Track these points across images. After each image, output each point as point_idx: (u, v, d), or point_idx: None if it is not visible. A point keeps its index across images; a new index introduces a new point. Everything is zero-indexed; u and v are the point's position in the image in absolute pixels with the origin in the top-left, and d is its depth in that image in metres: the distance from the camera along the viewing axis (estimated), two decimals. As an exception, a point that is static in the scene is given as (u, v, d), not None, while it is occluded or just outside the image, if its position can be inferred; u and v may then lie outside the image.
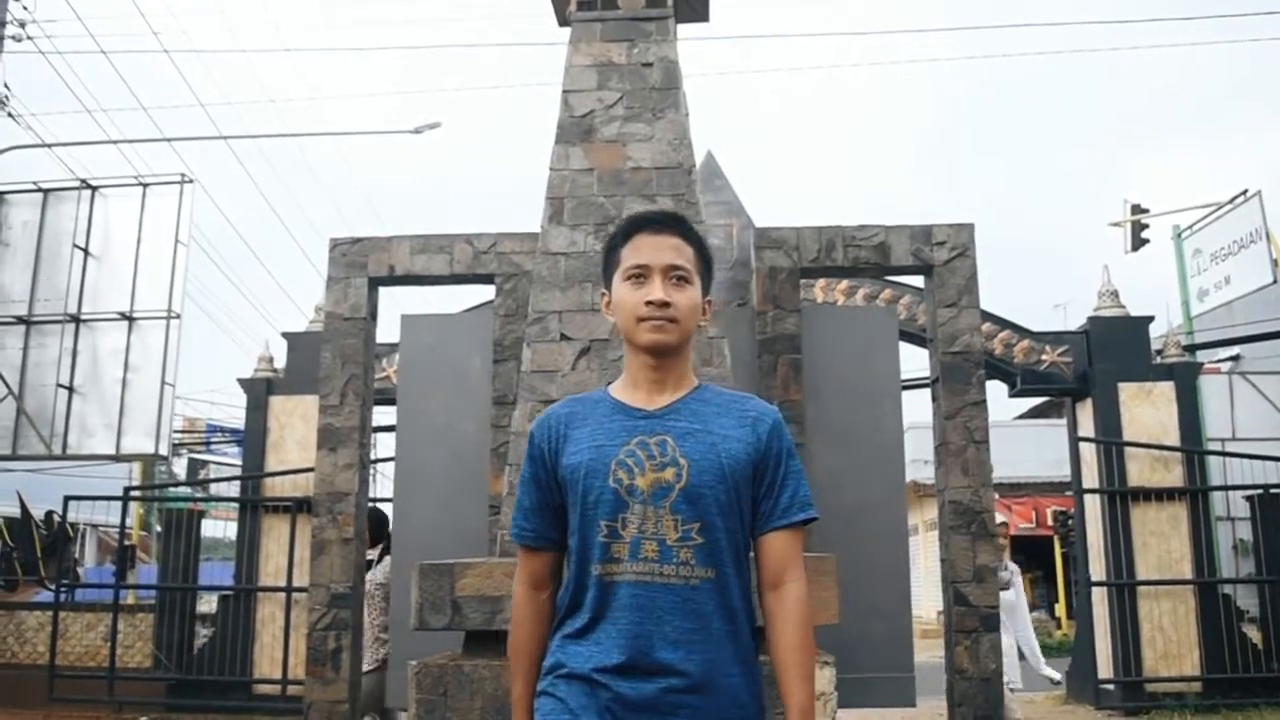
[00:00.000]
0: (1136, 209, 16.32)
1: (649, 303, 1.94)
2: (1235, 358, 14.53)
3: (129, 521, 12.74)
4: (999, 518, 8.16)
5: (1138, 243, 16.34)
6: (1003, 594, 5.96)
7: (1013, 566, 6.09)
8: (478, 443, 6.23)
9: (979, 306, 6.36)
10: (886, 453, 6.25)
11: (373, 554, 6.49)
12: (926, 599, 27.60)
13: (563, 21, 6.20)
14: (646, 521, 1.89)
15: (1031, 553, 22.32)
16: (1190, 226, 13.71)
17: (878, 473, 6.15)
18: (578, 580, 1.96)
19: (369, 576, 6.37)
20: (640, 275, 1.99)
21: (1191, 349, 12.59)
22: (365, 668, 6.34)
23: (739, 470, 1.94)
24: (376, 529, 6.53)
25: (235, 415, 19.06)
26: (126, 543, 13.51)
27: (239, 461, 20.48)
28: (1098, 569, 10.35)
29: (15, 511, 15.46)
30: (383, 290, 6.78)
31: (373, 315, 6.64)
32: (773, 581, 1.96)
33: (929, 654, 20.31)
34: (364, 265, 6.46)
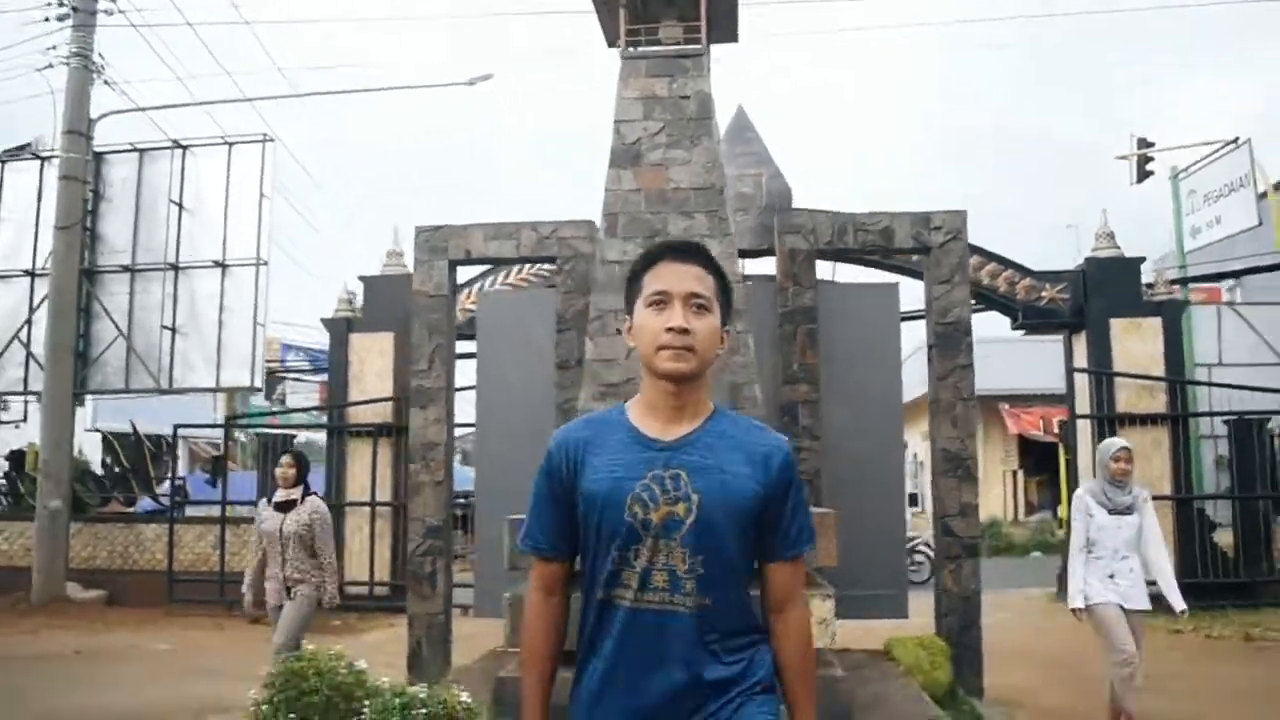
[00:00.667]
0: (1142, 143, 17.07)
1: (669, 329, 1.97)
2: (1234, 285, 15.52)
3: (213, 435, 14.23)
4: (1010, 428, 9.17)
5: (1142, 175, 17.10)
6: (1124, 519, 5.72)
7: (1139, 491, 5.82)
8: (544, 400, 7.52)
9: (969, 283, 7.50)
10: (888, 410, 7.43)
11: (293, 494, 6.47)
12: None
13: (610, 43, 7.32)
14: (658, 554, 1.96)
15: (1040, 456, 23.69)
16: (1186, 168, 14.62)
17: (880, 427, 7.35)
18: (593, 608, 2.04)
19: (292, 517, 6.36)
20: (661, 301, 2.02)
21: (1184, 282, 13.62)
22: (276, 601, 6.37)
23: (748, 506, 2.00)
24: (302, 469, 6.58)
25: (306, 336, 20.59)
26: (216, 455, 15.06)
27: (310, 377, 22.20)
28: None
29: (115, 430, 17.07)
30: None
31: (453, 292, 7.90)
32: (778, 607, 2.08)
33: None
34: (444, 250, 7.67)
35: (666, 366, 1.99)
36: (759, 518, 2.02)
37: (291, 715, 3.58)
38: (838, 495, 6.67)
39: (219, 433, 16.66)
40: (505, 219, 7.81)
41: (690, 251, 2.09)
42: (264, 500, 6.74)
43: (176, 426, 13.31)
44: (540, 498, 2.11)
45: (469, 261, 7.91)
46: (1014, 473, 26.17)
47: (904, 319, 11.22)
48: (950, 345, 7.09)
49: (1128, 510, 5.74)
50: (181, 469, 20.98)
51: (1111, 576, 5.71)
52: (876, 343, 7.47)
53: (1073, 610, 5.79)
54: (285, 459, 6.63)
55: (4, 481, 16.16)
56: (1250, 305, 14.23)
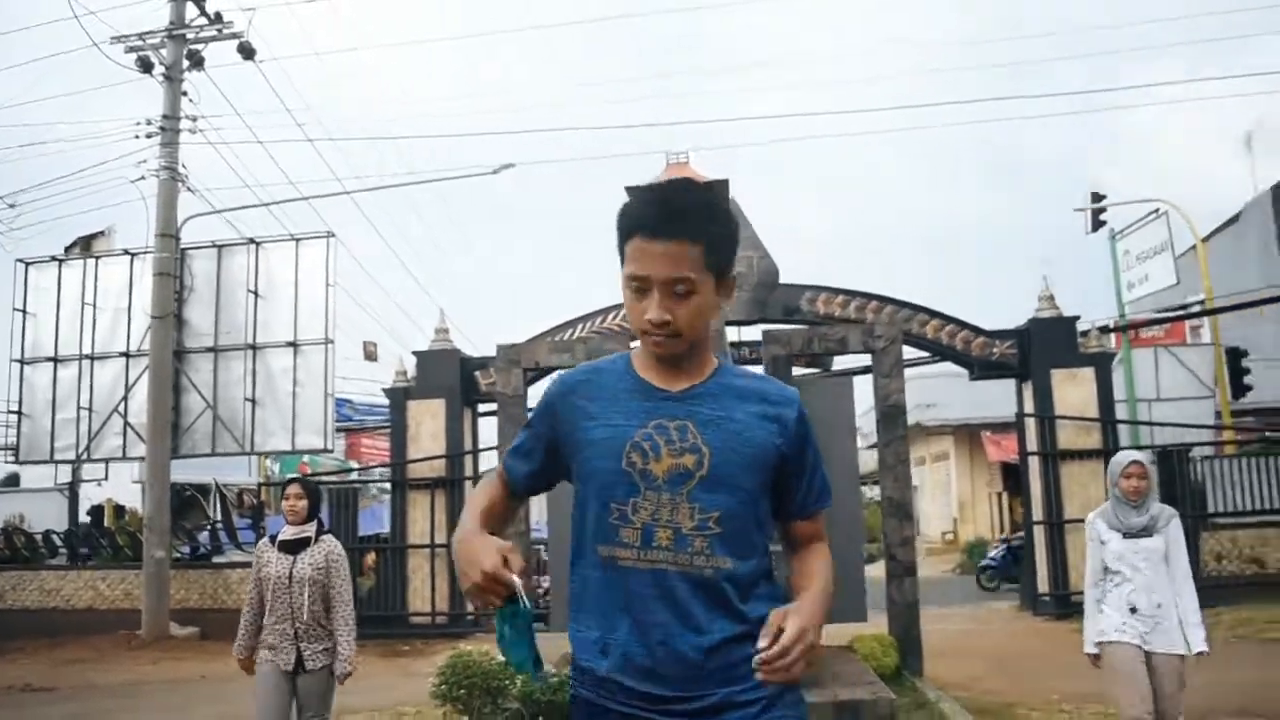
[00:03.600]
0: (1096, 197, 19.24)
1: (649, 320, 1.82)
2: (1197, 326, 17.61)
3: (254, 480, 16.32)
4: (995, 454, 11.18)
5: (1096, 225, 19.28)
6: (1143, 543, 4.96)
7: (1161, 509, 5.03)
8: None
9: (903, 376, 9.48)
10: (847, 473, 9.00)
11: (304, 530, 5.44)
12: (936, 520, 31.16)
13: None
14: (661, 509, 1.82)
15: (1017, 479, 25.83)
16: (1121, 231, 16.79)
17: (842, 485, 9.22)
18: (580, 555, 1.92)
19: (305, 559, 5.34)
20: (640, 289, 1.85)
21: (1123, 329, 15.77)
22: (284, 663, 5.29)
23: (764, 461, 1.88)
24: (314, 502, 5.61)
25: (352, 390, 22.78)
26: (259, 501, 17.12)
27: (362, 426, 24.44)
28: (1037, 511, 13.69)
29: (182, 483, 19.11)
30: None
31: (525, 393, 9.98)
32: (800, 551, 2.03)
33: (936, 570, 23.83)
34: (518, 362, 9.68)
35: (653, 351, 1.89)
36: (776, 475, 1.91)
37: (460, 690, 5.60)
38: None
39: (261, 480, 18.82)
40: (559, 316, 9.90)
41: (665, 225, 1.82)
42: (264, 540, 5.70)
43: (260, 484, 15.41)
44: (528, 431, 2.04)
45: (536, 370, 9.94)
46: (998, 494, 28.16)
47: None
48: (890, 421, 9.11)
49: (1146, 532, 4.97)
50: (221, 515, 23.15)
51: (1134, 610, 4.90)
52: (837, 421, 9.41)
53: (1088, 656, 5.06)
54: (293, 489, 5.56)
55: (90, 534, 18.17)
56: (1181, 347, 16.35)
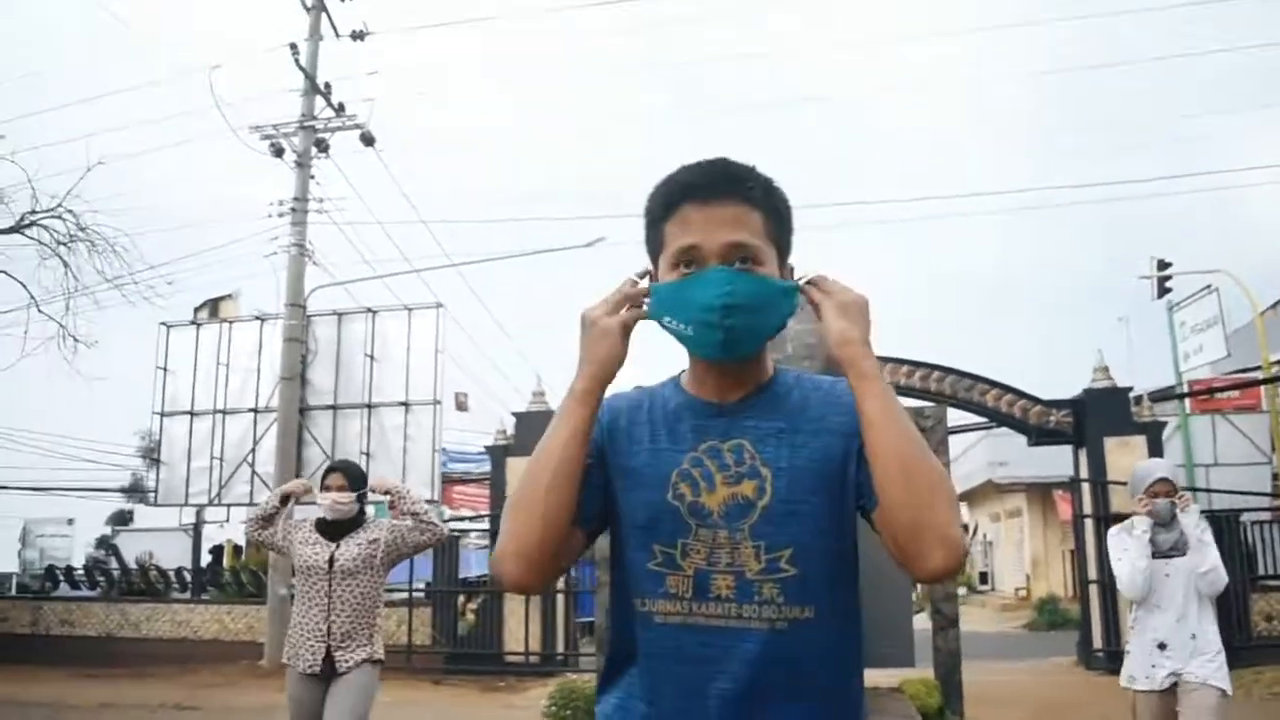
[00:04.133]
0: (1161, 264, 20.10)
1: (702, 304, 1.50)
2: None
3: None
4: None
5: (1162, 291, 20.09)
6: (1175, 564, 4.49)
7: (1193, 521, 4.59)
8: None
9: (949, 451, 10.56)
10: None
11: (345, 509, 4.93)
12: (1009, 576, 31.66)
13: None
14: (718, 550, 1.53)
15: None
16: (1178, 303, 17.64)
17: None
18: (621, 620, 1.64)
19: (347, 548, 4.86)
20: (691, 262, 1.55)
21: (1181, 398, 16.60)
22: (308, 665, 4.87)
23: (838, 469, 1.55)
24: (354, 484, 5.07)
25: (446, 440, 24.56)
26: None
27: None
28: (1092, 570, 14.55)
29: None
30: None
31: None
32: None
33: (1007, 625, 24.46)
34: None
35: (709, 353, 1.57)
36: (855, 470, 1.54)
37: (567, 712, 6.83)
38: (871, 589, 9.84)
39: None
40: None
41: (721, 183, 1.58)
42: (299, 516, 5.22)
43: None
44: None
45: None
46: (1071, 552, 28.63)
47: (954, 432, 14.69)
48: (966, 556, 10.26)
49: (1176, 550, 4.52)
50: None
51: (1162, 646, 4.50)
52: None
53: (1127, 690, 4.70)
54: (334, 478, 4.99)
55: (213, 571, 19.87)
56: (1238, 413, 17.10)
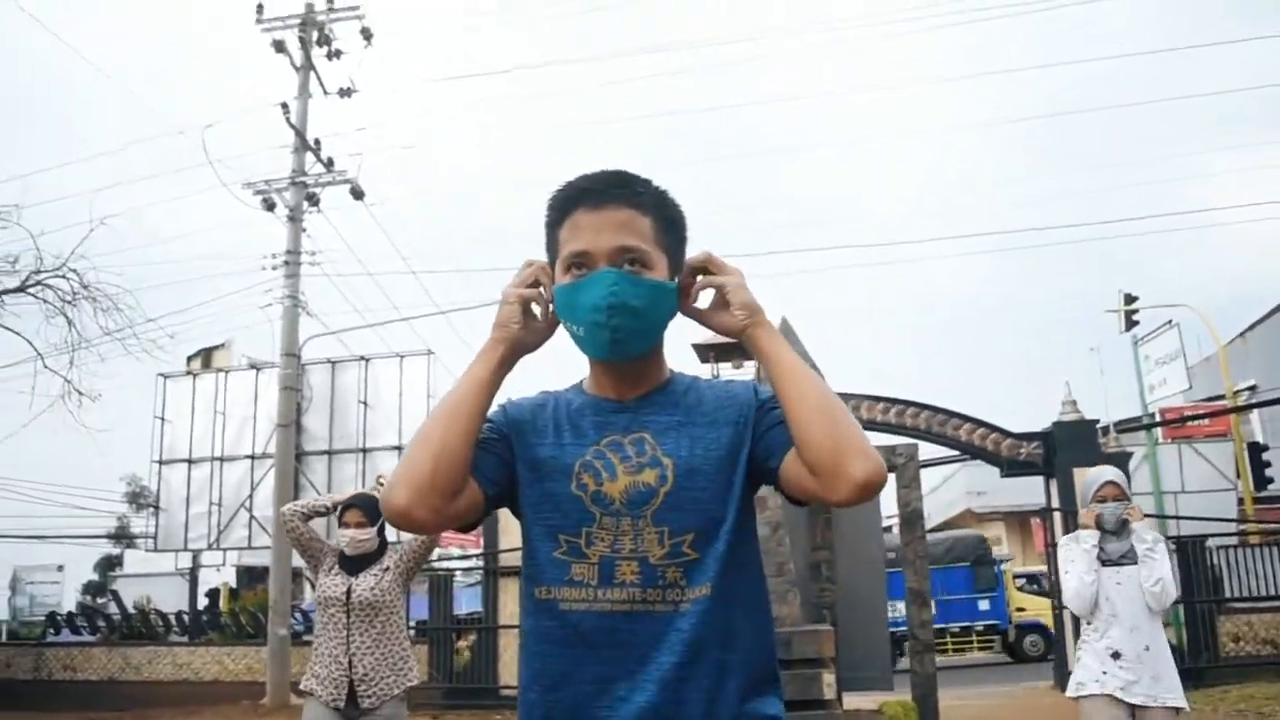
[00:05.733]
0: (1128, 298, 20.80)
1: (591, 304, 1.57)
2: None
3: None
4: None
5: (1129, 325, 20.78)
6: (1125, 571, 4.45)
7: (1145, 533, 4.50)
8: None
9: (920, 486, 11.13)
10: (874, 564, 10.88)
11: (366, 544, 4.89)
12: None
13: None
14: (622, 537, 1.58)
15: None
16: (1143, 338, 18.35)
17: (869, 573, 10.94)
18: (527, 610, 1.67)
19: (365, 581, 4.83)
20: (582, 265, 1.61)
21: (1147, 428, 17.27)
22: (330, 697, 4.79)
23: (733, 458, 1.64)
24: (373, 520, 4.97)
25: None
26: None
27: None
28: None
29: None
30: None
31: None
32: None
33: (989, 654, 24.96)
34: None
35: (601, 354, 1.65)
36: (750, 453, 1.64)
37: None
38: (849, 616, 10.38)
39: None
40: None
41: (611, 189, 1.64)
42: (333, 550, 5.02)
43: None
44: (489, 430, 1.67)
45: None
46: (1049, 579, 29.14)
47: (928, 465, 15.32)
48: (910, 524, 10.73)
49: (1127, 559, 4.44)
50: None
51: (1116, 655, 4.40)
52: (866, 521, 11.11)
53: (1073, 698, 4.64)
54: (352, 515, 4.93)
55: (211, 613, 20.23)
56: (1203, 442, 17.77)
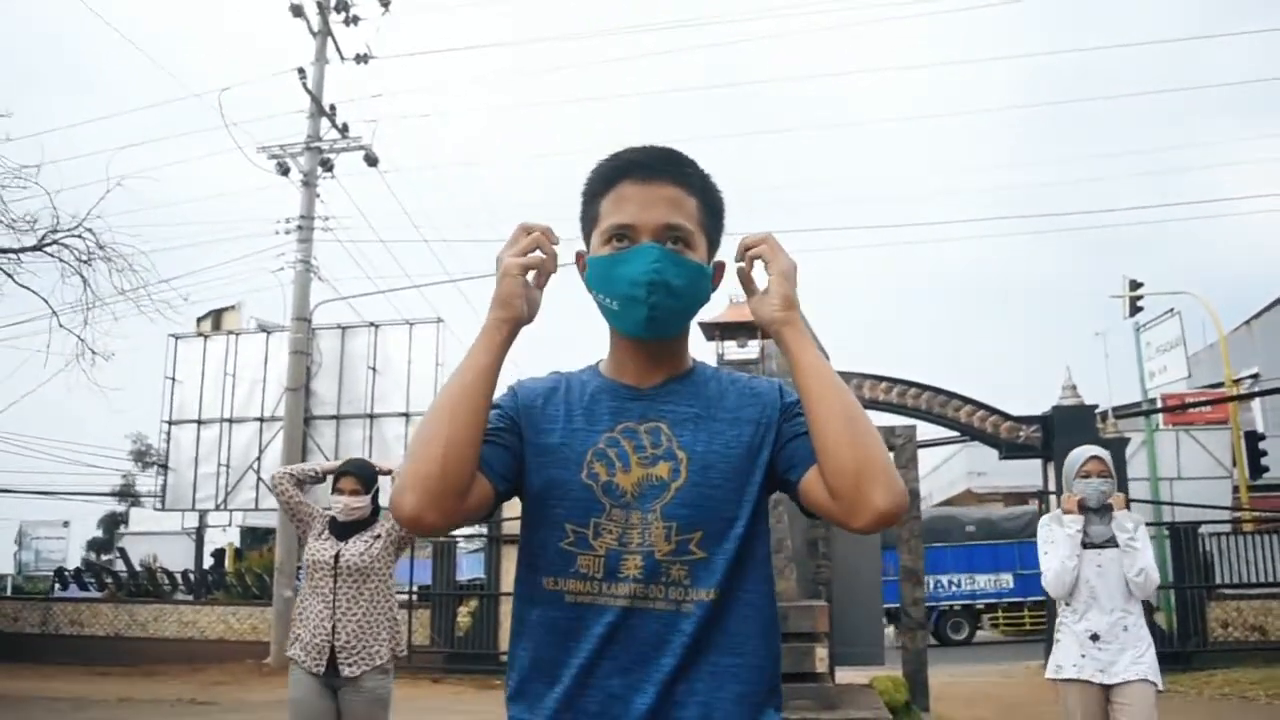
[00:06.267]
0: (1133, 284, 20.91)
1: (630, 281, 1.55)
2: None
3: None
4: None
5: (1133, 310, 20.90)
6: (1106, 555, 4.43)
7: (1126, 516, 4.45)
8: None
9: (917, 469, 11.35)
10: (869, 541, 11.12)
11: (358, 510, 4.79)
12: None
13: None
14: (630, 531, 1.54)
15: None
16: (1145, 324, 18.49)
17: (866, 550, 11.21)
18: (527, 598, 1.61)
19: (354, 545, 4.73)
20: (625, 238, 1.58)
21: (1146, 414, 17.44)
22: (313, 664, 4.66)
23: (751, 458, 1.59)
24: (367, 486, 4.89)
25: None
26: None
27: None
28: (1058, 578, 15.35)
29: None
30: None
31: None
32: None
33: (986, 633, 25.26)
34: None
35: (637, 330, 1.60)
36: (770, 459, 1.60)
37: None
38: (844, 593, 10.60)
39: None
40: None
41: (660, 165, 1.62)
42: (323, 514, 4.92)
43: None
44: (496, 417, 1.61)
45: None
46: (1047, 560, 29.45)
47: (927, 445, 15.53)
48: (908, 504, 11.04)
49: (1111, 543, 4.42)
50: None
51: (1095, 638, 4.41)
52: None
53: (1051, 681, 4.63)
54: (346, 482, 4.84)
55: (217, 573, 20.54)
56: (1201, 429, 17.95)
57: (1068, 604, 4.54)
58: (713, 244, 1.67)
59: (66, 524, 37.38)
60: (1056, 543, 4.56)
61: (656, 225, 1.57)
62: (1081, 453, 4.68)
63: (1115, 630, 4.39)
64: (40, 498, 28.89)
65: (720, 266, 1.69)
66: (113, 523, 41.45)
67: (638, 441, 1.58)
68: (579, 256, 1.68)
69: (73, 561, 29.34)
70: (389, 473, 5.22)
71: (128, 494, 37.98)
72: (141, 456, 39.36)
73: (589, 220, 1.66)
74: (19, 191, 13.42)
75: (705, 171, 1.68)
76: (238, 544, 23.91)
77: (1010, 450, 15.86)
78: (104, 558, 33.19)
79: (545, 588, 1.57)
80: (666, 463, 1.56)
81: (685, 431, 1.59)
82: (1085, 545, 4.43)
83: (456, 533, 20.09)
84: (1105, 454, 4.69)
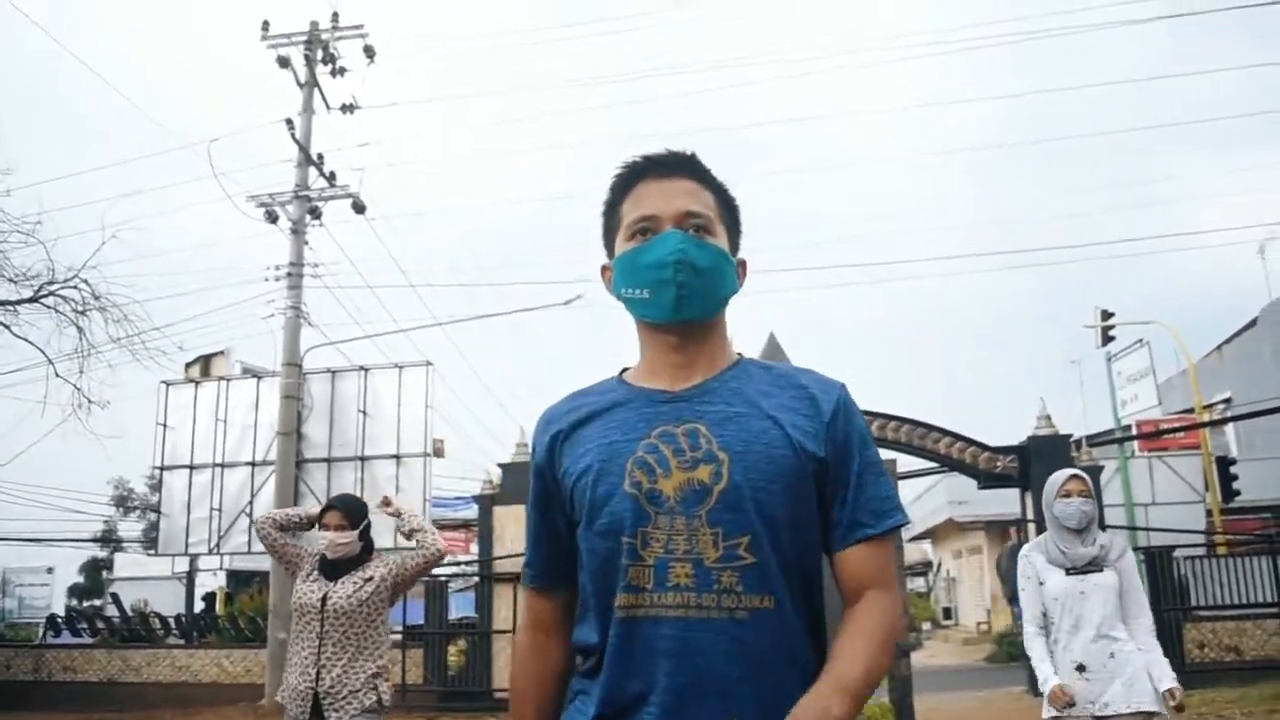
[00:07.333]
0: (1105, 314, 21.45)
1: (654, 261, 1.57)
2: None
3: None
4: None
5: (1105, 340, 21.41)
6: (1090, 580, 4.27)
7: (1111, 538, 4.41)
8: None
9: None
10: None
11: (345, 548, 4.72)
12: (972, 611, 32.81)
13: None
14: (676, 538, 1.49)
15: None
16: (1116, 354, 18.99)
17: None
18: (591, 618, 1.60)
19: (342, 587, 4.64)
20: (648, 230, 1.61)
21: (1120, 442, 17.90)
22: (296, 710, 4.60)
23: (800, 462, 1.53)
24: (355, 521, 4.85)
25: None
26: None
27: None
28: (1039, 604, 15.72)
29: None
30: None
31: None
32: (855, 597, 1.58)
33: (969, 659, 25.62)
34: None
35: (666, 316, 1.60)
36: (817, 480, 1.55)
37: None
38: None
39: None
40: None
41: (676, 163, 1.66)
42: (313, 556, 4.88)
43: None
44: (530, 507, 1.71)
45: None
46: (1029, 587, 29.75)
47: (908, 477, 15.93)
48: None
49: (1094, 566, 4.28)
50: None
51: (1081, 668, 4.24)
52: None
53: None
54: (332, 517, 4.77)
55: (209, 616, 20.65)
56: (1174, 456, 18.42)
57: (1049, 633, 4.44)
58: (732, 238, 1.71)
59: (50, 570, 37.23)
60: (1025, 591, 4.52)
61: (677, 213, 1.61)
62: (1062, 474, 4.53)
63: (1102, 658, 4.25)
64: (22, 545, 28.93)
65: (743, 264, 1.72)
66: (95, 568, 41.29)
67: (676, 445, 1.54)
68: (604, 270, 1.74)
69: (57, 608, 29.32)
70: (388, 502, 5.58)
71: (109, 540, 37.92)
72: (123, 501, 39.35)
73: (610, 228, 1.71)
74: (19, 243, 13.71)
75: (720, 180, 1.74)
76: (227, 587, 24.01)
77: (989, 480, 16.26)
78: (88, 603, 33.11)
79: (600, 607, 1.58)
80: (708, 465, 1.52)
81: (726, 430, 1.55)
82: (1068, 571, 4.33)
83: (448, 570, 20.35)
84: (1085, 475, 4.63)
